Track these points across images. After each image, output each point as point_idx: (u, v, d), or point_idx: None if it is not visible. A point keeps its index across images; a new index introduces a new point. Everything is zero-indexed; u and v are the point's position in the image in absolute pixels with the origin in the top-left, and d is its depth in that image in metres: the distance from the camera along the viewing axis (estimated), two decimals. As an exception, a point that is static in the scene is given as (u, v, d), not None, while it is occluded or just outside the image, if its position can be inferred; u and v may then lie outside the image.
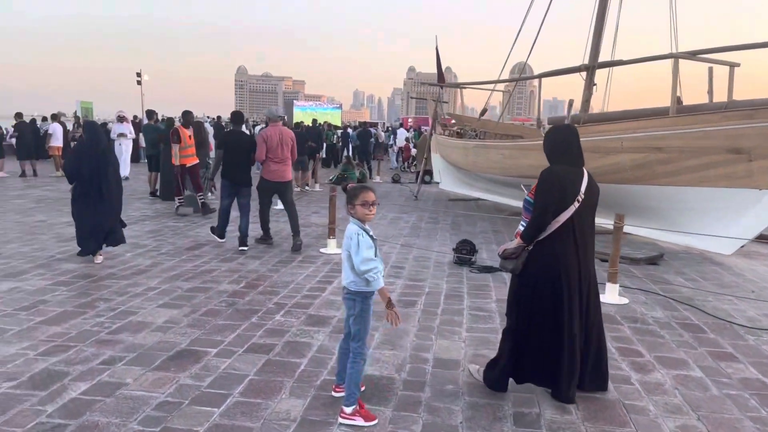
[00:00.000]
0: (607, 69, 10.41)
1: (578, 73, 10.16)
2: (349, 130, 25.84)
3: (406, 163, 21.92)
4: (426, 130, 26.95)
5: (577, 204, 3.32)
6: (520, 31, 11.66)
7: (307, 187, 14.31)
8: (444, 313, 5.10)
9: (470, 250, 6.85)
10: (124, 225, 6.85)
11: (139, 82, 50.68)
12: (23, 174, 15.04)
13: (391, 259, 7.05)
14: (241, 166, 7.47)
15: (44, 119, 20.96)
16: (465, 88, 14.18)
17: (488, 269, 6.60)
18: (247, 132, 13.70)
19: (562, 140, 3.48)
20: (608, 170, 8.16)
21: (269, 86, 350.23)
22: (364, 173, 17.07)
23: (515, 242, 3.48)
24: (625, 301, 5.60)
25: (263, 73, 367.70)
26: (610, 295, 5.59)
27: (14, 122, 15.51)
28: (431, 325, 4.74)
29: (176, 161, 10.11)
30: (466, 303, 5.41)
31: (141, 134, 15.97)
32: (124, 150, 14.61)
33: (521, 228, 3.49)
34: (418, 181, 13.65)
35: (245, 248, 7.30)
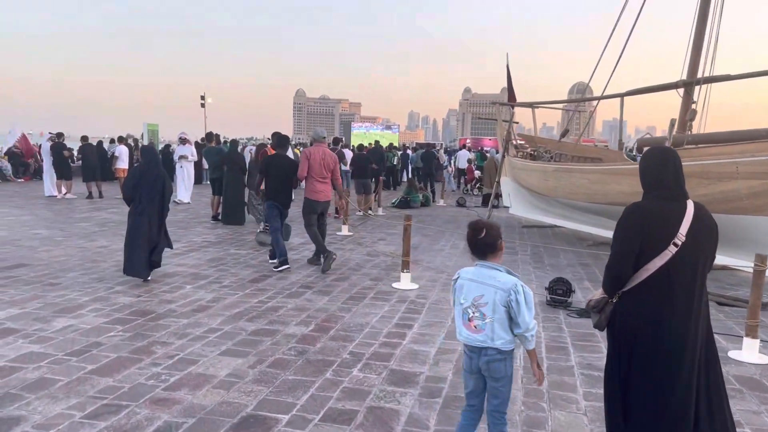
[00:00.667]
0: (699, 86, 9.37)
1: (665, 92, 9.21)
2: (409, 152, 25.28)
3: (469, 186, 21.08)
4: (489, 150, 26.10)
5: (674, 248, 2.51)
6: (604, 50, 10.77)
7: (370, 212, 13.72)
8: (551, 371, 4.28)
9: (566, 290, 6.00)
10: (170, 246, 6.99)
11: (203, 105, 52.25)
12: (90, 196, 15.16)
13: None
14: (286, 189, 7.66)
15: (111, 141, 21.42)
16: (538, 107, 13.32)
17: (588, 313, 5.71)
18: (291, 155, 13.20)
19: (658, 165, 2.66)
20: (719, 198, 7.14)
21: (326, 108, 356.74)
22: (427, 196, 16.39)
23: (599, 292, 2.77)
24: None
25: (321, 95, 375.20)
26: (750, 353, 4.63)
27: (80, 145, 15.71)
28: (539, 389, 3.94)
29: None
30: (574, 358, 4.57)
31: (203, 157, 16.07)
32: (186, 173, 14.54)
33: None
34: (489, 206, 12.81)
35: (285, 266, 7.38)
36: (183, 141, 14.63)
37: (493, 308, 2.65)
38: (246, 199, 11.59)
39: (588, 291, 6.69)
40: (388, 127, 60.72)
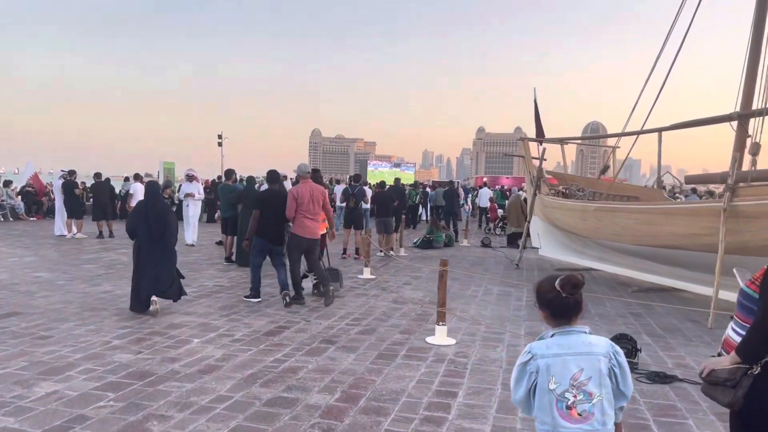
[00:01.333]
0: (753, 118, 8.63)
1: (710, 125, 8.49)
2: (428, 189, 24.64)
3: (491, 225, 20.28)
4: (513, 188, 25.35)
5: None
6: (646, 83, 10.12)
7: (392, 252, 12.97)
8: (638, 461, 3.44)
9: (632, 349, 5.14)
10: (182, 276, 7.04)
11: (220, 144, 52.46)
12: (100, 235, 14.61)
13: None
14: (278, 226, 7.50)
15: (126, 179, 21.06)
16: (568, 143, 12.63)
17: (662, 378, 4.86)
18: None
19: None
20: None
21: (342, 147, 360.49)
22: (451, 236, 15.62)
23: (728, 359, 2.11)
24: None
25: (336, 135, 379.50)
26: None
27: (92, 183, 15.26)
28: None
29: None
30: (661, 441, 3.72)
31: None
32: (191, 212, 13.47)
33: (733, 335, 2.16)
34: (520, 247, 11.99)
35: (287, 298, 7.33)
36: (190, 178, 13.69)
37: (599, 383, 2.08)
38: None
39: (649, 347, 5.83)
40: (397, 165, 60.50)
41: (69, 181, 14.85)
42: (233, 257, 10.96)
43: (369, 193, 14.48)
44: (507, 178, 54.86)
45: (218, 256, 11.75)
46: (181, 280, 6.98)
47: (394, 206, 13.38)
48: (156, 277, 6.54)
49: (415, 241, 15.28)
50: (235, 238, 10.93)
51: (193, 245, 13.24)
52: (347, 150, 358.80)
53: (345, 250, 12.43)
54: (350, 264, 11.47)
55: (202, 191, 13.99)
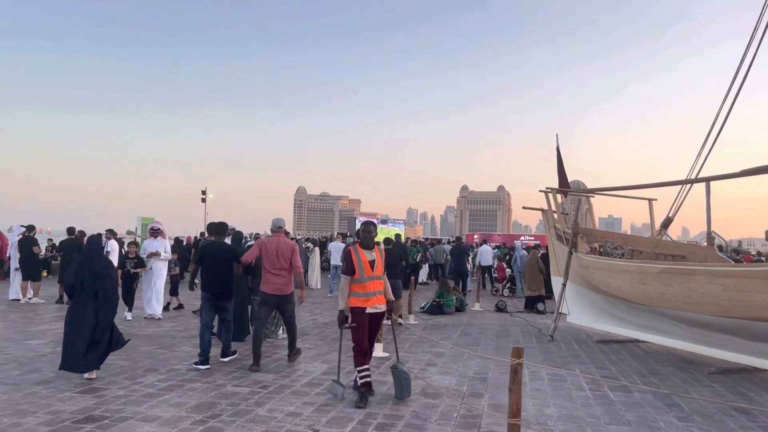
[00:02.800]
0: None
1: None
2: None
3: (500, 286, 18.56)
4: (516, 243, 23.78)
5: None
6: (709, 134, 8.75)
7: (400, 320, 11.16)
8: None
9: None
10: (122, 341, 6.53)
11: (203, 200, 50.82)
12: (60, 299, 12.62)
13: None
14: (222, 279, 7.17)
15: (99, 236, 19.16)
16: (597, 194, 11.18)
17: None
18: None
19: None
20: None
21: (327, 205, 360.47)
22: (462, 299, 13.86)
23: None
24: None
25: (321, 192, 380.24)
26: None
27: (64, 239, 13.36)
28: None
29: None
30: None
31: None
32: (155, 276, 10.88)
33: None
34: (555, 315, 10.24)
35: (227, 358, 7.24)
36: (154, 233, 11.14)
37: None
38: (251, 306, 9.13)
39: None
40: (384, 222, 59.73)
41: (26, 237, 12.96)
42: (215, 330, 9.08)
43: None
44: (498, 235, 53.57)
45: (195, 328, 9.84)
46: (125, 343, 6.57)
47: (402, 266, 11.69)
48: (85, 353, 6.03)
49: (422, 305, 13.49)
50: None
51: (158, 318, 10.72)
52: (332, 207, 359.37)
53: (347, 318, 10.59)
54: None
55: (168, 249, 11.46)
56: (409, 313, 11.60)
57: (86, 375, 6.15)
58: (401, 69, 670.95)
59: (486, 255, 20.43)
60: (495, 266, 18.78)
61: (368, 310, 5.62)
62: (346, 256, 5.59)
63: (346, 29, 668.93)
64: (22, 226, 13.43)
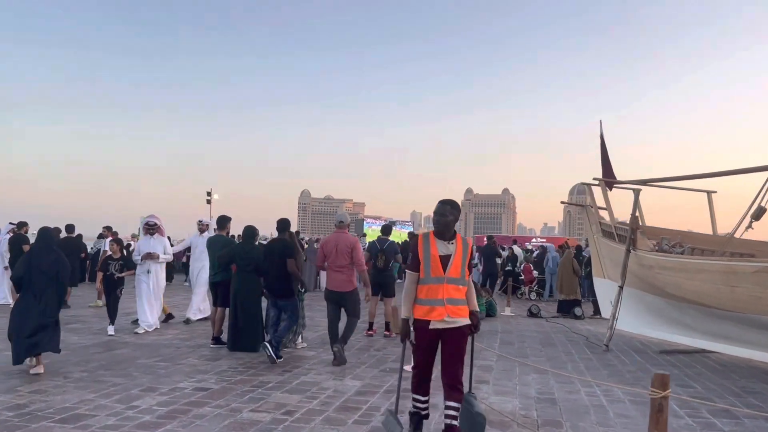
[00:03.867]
0: None
1: None
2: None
3: (526, 289, 17.36)
4: (542, 243, 22.57)
5: None
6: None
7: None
8: None
9: None
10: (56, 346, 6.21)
11: (209, 201, 49.78)
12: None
13: None
14: (279, 276, 7.21)
15: (100, 236, 18.08)
16: (653, 185, 9.96)
17: None
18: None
19: None
20: None
21: (331, 208, 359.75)
22: (492, 303, 12.67)
23: None
24: None
25: (325, 195, 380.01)
26: None
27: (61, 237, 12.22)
28: None
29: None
30: None
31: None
32: (151, 281, 9.01)
33: None
34: (610, 323, 9.00)
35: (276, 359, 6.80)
36: (150, 229, 9.13)
37: None
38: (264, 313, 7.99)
39: None
40: (392, 224, 58.36)
41: (17, 235, 11.84)
42: (223, 337, 7.92)
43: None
44: (510, 237, 52.34)
45: (203, 336, 8.70)
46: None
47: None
48: (31, 343, 5.93)
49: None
50: (227, 311, 7.93)
51: (150, 329, 8.93)
52: (336, 211, 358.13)
53: (371, 324, 9.42)
54: (380, 344, 8.47)
55: (169, 249, 9.42)
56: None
57: (32, 370, 5.96)
58: (405, 70, 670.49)
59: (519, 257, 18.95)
60: (522, 268, 17.55)
61: (433, 325, 3.98)
62: (413, 246, 4.18)
63: (350, 30, 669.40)
64: (11, 223, 12.29)
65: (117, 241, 8.94)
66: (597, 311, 13.21)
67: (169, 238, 10.75)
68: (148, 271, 9.03)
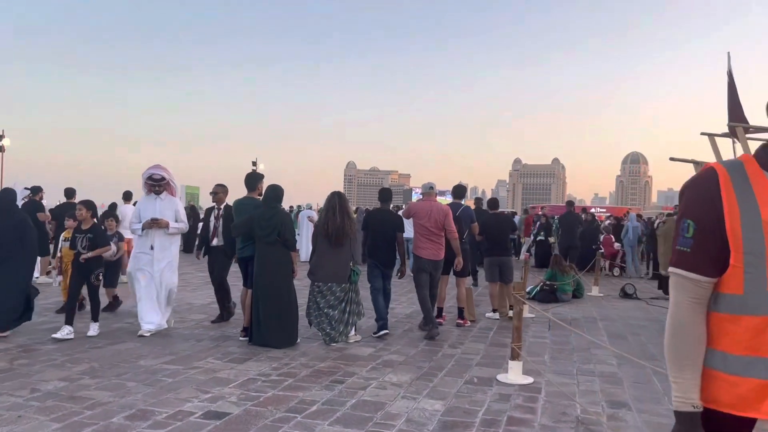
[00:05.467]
0: None
1: None
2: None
3: (606, 264, 15.05)
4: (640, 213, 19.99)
5: None
6: None
7: (510, 312, 8.01)
8: None
9: None
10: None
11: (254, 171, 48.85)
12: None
13: None
14: (385, 247, 6.67)
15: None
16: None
17: None
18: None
19: None
20: None
21: (376, 180, 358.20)
22: (580, 282, 10.55)
23: None
24: None
25: (371, 167, 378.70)
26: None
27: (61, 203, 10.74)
28: None
29: None
30: None
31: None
32: (157, 263, 6.40)
33: None
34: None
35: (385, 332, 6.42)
36: (155, 185, 6.44)
37: None
38: (310, 297, 6.21)
39: None
40: (442, 194, 57.47)
41: (31, 201, 10.43)
42: (249, 335, 6.14)
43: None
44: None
45: (235, 323, 7.00)
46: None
47: (513, 238, 8.53)
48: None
49: (527, 290, 10.26)
50: (250, 292, 6.14)
51: (164, 327, 6.45)
52: (381, 182, 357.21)
53: (440, 311, 7.51)
54: (454, 337, 6.56)
55: (183, 216, 6.62)
56: (523, 303, 8.36)
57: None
58: (448, 37, 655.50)
59: (633, 230, 16.05)
60: (601, 241, 15.22)
61: None
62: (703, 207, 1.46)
63: None
64: (26, 188, 10.90)
65: (86, 204, 6.16)
66: (706, 292, 10.96)
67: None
68: (152, 247, 6.35)
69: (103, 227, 6.95)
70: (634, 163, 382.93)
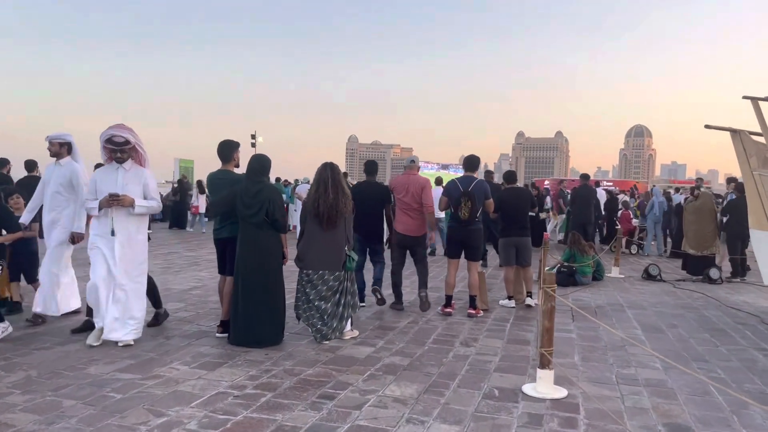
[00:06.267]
0: None
1: None
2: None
3: (623, 240, 14.11)
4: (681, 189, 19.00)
5: None
6: None
7: (531, 300, 7.10)
8: None
9: None
10: None
11: (253, 144, 47.68)
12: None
13: None
14: (370, 221, 6.48)
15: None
16: None
17: None
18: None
19: None
20: None
21: (378, 153, 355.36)
22: (600, 263, 9.62)
23: None
24: None
25: (373, 141, 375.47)
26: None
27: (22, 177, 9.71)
28: None
29: None
30: None
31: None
32: (118, 251, 4.93)
33: None
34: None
35: (378, 294, 6.61)
36: (116, 151, 4.97)
37: None
38: (299, 287, 5.31)
39: None
40: (445, 167, 56.96)
41: (-3, 175, 9.46)
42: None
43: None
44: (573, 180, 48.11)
45: (213, 315, 6.11)
46: None
47: (533, 215, 7.61)
48: None
49: (549, 268, 9.33)
50: (228, 281, 5.20)
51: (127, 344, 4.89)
52: (384, 156, 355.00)
53: (449, 299, 6.60)
54: (466, 331, 5.64)
55: (155, 192, 5.16)
56: (530, 292, 7.44)
57: None
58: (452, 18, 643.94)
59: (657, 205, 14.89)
60: (619, 216, 14.25)
61: None
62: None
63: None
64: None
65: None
66: (736, 272, 10.06)
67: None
68: (113, 233, 4.93)
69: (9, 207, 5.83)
70: (638, 136, 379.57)
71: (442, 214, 11.27)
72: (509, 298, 7.14)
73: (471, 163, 6.68)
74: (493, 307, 7.00)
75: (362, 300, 6.58)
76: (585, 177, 12.78)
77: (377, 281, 6.69)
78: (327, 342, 5.14)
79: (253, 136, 48.00)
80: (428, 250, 7.54)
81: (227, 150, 5.47)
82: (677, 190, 17.36)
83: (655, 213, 13.24)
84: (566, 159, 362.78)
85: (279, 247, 5.16)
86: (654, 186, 16.10)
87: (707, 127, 8.95)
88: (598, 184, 16.80)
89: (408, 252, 6.76)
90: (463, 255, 6.53)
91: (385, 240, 6.83)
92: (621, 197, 16.13)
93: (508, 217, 7.10)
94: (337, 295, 5.20)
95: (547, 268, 9.05)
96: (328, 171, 5.21)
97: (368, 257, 6.77)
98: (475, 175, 6.65)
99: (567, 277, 8.98)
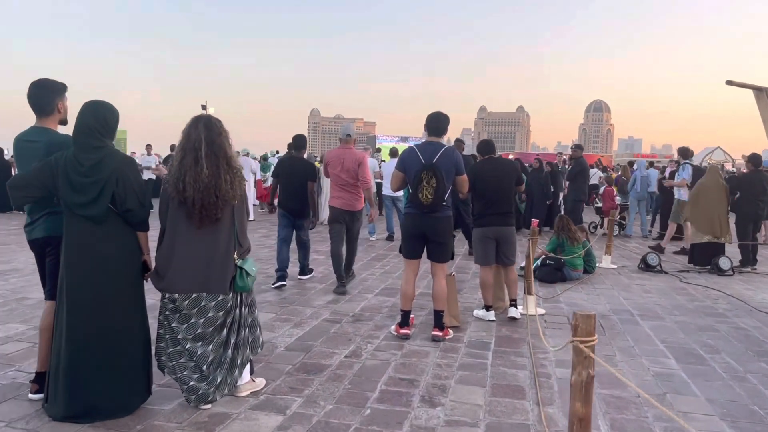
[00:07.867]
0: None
1: None
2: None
3: (604, 220, 12.50)
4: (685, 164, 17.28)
5: None
6: None
7: (518, 310, 5.28)
8: None
9: None
10: None
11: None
12: None
13: None
14: (296, 196, 6.37)
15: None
16: None
17: None
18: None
19: None
20: None
21: (341, 127, 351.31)
22: (591, 251, 7.88)
23: None
24: None
25: (335, 114, 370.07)
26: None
27: None
28: None
29: None
30: None
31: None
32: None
33: None
34: None
35: (305, 276, 6.75)
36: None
37: None
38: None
39: None
40: (405, 140, 55.34)
41: None
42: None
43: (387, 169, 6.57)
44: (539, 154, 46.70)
45: (29, 358, 4.06)
46: None
47: (517, 194, 5.80)
48: None
49: (522, 266, 7.51)
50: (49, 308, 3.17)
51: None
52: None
53: (405, 315, 4.70)
54: (428, 366, 3.75)
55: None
56: (529, 293, 5.59)
57: None
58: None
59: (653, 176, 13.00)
60: (601, 193, 12.60)
61: None
62: None
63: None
64: None
65: None
66: (747, 260, 8.52)
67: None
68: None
69: None
70: (597, 111, 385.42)
71: (400, 193, 9.40)
72: (487, 308, 5.30)
73: (437, 123, 4.68)
74: (465, 320, 5.17)
75: (283, 279, 6.33)
76: (578, 148, 10.97)
77: (303, 269, 6.68)
78: (207, 406, 3.19)
79: (204, 107, 45.13)
80: (374, 233, 7.10)
81: (46, 96, 3.35)
82: (651, 164, 15.88)
83: (636, 189, 11.64)
84: (527, 134, 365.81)
85: (134, 256, 3.16)
86: (640, 159, 14.49)
87: (728, 83, 7.26)
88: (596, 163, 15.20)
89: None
90: (424, 254, 4.64)
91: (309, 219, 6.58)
92: (593, 171, 14.44)
93: (485, 200, 5.22)
94: (224, 332, 3.22)
95: (524, 264, 7.16)
96: (201, 130, 3.17)
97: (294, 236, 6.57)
98: (442, 141, 4.71)
99: (554, 272, 7.26)
